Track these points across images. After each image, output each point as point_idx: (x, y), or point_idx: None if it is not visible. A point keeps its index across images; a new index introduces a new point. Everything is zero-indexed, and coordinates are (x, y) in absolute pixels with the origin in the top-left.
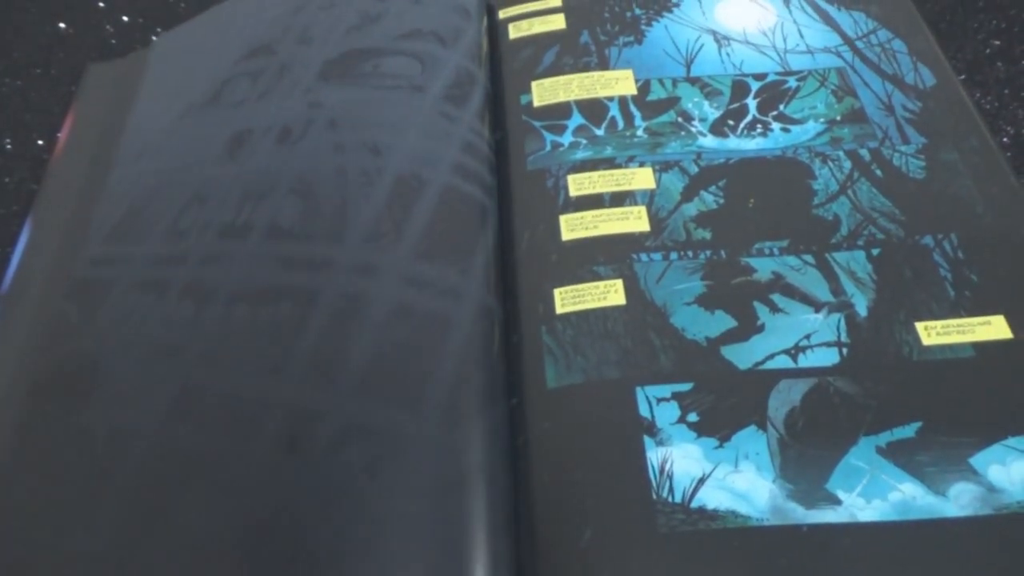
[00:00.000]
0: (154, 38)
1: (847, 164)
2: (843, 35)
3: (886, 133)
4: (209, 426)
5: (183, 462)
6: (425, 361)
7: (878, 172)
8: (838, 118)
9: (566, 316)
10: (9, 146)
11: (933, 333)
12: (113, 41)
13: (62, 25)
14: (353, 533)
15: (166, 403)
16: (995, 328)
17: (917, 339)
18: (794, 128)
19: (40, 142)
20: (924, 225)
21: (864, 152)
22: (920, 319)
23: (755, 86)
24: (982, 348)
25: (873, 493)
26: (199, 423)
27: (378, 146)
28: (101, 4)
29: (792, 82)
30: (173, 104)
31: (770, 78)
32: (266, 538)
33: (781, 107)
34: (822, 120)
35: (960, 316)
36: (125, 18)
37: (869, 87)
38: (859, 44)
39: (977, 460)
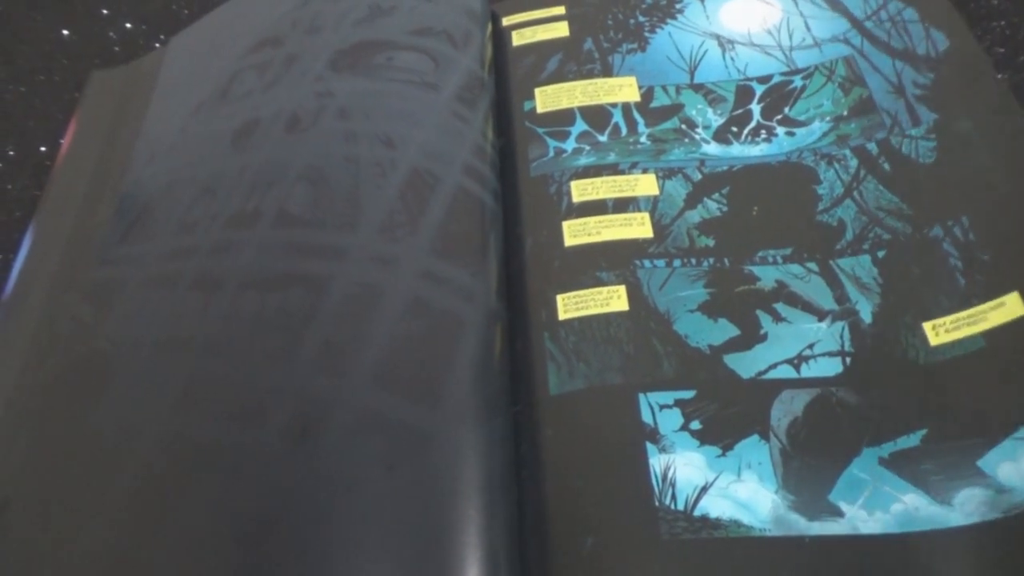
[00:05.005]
0: (157, 45)
1: (853, 163)
2: (851, 18)
3: (895, 118)
4: (218, 415)
5: (193, 453)
6: (441, 359)
7: (886, 166)
8: (845, 113)
9: (569, 322)
10: (12, 153)
11: (941, 331)
12: (116, 48)
13: (65, 32)
14: (366, 525)
15: (175, 395)
16: (1009, 308)
17: (924, 341)
18: (799, 131)
19: (43, 149)
20: (933, 214)
21: (872, 146)
22: (928, 318)
23: (759, 90)
24: (993, 336)
25: (875, 505)
26: (208, 413)
27: (391, 138)
28: (104, 11)
29: (798, 81)
30: (184, 104)
31: (775, 80)
32: (277, 528)
33: (786, 110)
34: (828, 118)
35: (971, 305)
36: (128, 25)
37: (878, 71)
38: (868, 24)
39: (986, 461)
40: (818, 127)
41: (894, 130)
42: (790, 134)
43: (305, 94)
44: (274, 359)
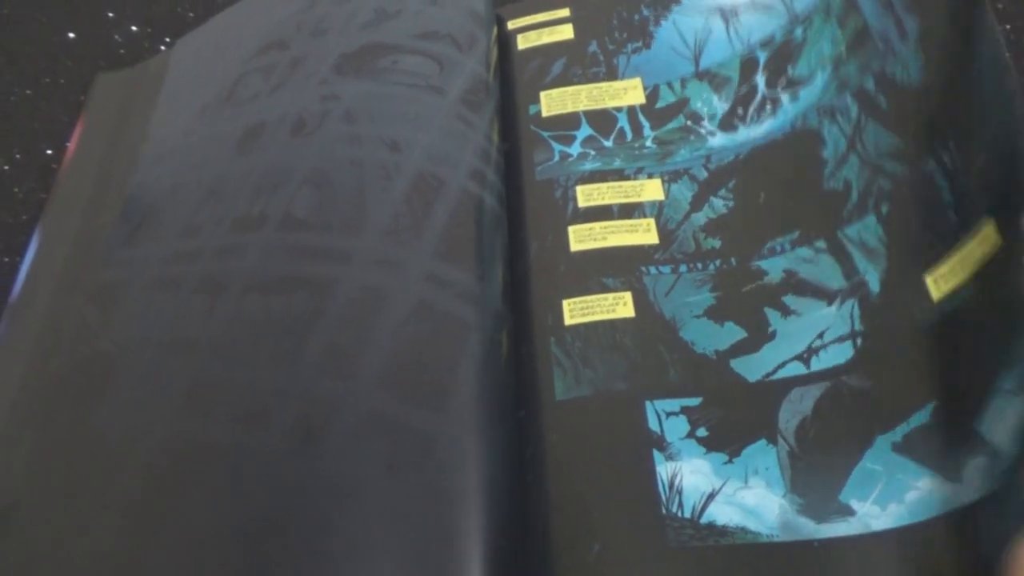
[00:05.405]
0: (162, 47)
1: (854, 110)
2: None
3: (887, 40)
4: (223, 418)
5: (197, 455)
6: (446, 362)
7: (882, 102)
8: (843, 51)
9: (575, 327)
10: (18, 156)
11: (941, 282)
12: (122, 51)
13: (71, 35)
14: (370, 528)
15: (179, 397)
16: (987, 236)
17: (928, 298)
18: (802, 91)
19: (49, 151)
20: (926, 144)
21: (868, 82)
22: (929, 270)
23: (763, 57)
24: (981, 277)
25: (889, 497)
26: (213, 415)
27: (396, 141)
28: (110, 14)
29: (799, 32)
30: (189, 106)
31: (777, 40)
32: (280, 530)
33: (789, 69)
34: (829, 64)
35: (961, 242)
36: (134, 28)
37: None
38: None
39: (982, 423)
40: (820, 80)
41: (888, 56)
42: (794, 97)
43: (310, 97)
44: (278, 362)
